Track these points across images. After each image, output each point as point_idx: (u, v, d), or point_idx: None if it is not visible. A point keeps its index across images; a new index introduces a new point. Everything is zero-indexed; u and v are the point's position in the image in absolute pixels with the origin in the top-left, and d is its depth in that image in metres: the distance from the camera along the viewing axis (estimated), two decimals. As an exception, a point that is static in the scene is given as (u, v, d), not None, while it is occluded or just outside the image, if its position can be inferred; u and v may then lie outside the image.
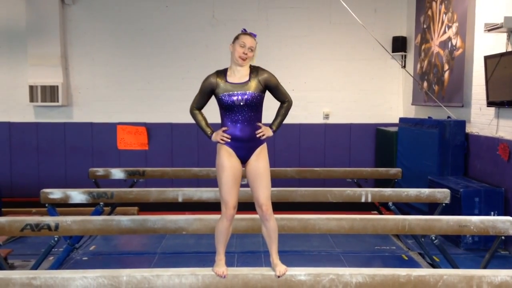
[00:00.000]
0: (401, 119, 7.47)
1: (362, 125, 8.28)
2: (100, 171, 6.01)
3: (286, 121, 9.10)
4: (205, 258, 5.10)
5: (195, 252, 5.41)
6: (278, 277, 2.82)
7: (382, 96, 8.36)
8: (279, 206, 5.80)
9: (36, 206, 6.82)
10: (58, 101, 7.82)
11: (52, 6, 7.79)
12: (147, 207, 6.78)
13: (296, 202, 5.02)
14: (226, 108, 2.99)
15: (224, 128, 3.00)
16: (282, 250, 5.33)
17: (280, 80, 8.90)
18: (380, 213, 6.21)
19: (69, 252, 4.64)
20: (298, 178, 6.50)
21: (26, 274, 2.83)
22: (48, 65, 7.80)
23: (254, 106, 2.99)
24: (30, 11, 7.79)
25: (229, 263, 4.80)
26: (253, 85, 3.00)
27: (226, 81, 3.00)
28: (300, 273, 2.84)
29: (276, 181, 7.39)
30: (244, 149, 3.01)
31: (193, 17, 8.18)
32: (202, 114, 3.20)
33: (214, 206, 5.70)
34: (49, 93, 7.79)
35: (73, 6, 8.02)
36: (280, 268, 2.86)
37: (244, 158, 3.01)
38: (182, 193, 4.93)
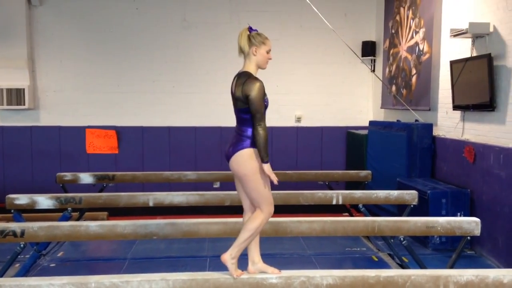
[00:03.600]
0: (370, 122, 7.59)
1: (333, 128, 8.39)
2: (68, 175, 5.89)
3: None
4: (176, 263, 5.06)
5: (166, 257, 5.35)
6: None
7: (353, 99, 8.48)
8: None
9: (1, 212, 6.62)
10: (24, 104, 7.62)
11: (18, 7, 7.60)
12: (117, 212, 6.66)
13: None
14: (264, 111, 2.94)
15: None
16: (254, 253, 5.35)
17: (251, 83, 8.54)
18: (351, 215, 6.30)
19: (35, 259, 4.52)
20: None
21: (-10, 282, 2.75)
22: (14, 67, 7.60)
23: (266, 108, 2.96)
24: (-5, 12, 7.58)
25: (200, 268, 4.79)
26: None
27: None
28: (271, 276, 2.85)
29: (248, 184, 7.40)
30: None
31: (164, 19, 8.11)
32: None
33: (185, 210, 5.69)
34: (15, 96, 7.59)
35: (40, 8, 7.84)
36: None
37: None
38: (153, 198, 4.87)
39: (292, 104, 8.38)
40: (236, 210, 6.34)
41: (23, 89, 7.60)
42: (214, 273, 2.94)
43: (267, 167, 2.90)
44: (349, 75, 8.44)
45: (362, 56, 8.21)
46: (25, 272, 4.43)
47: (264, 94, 2.92)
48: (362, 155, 7.53)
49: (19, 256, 4.24)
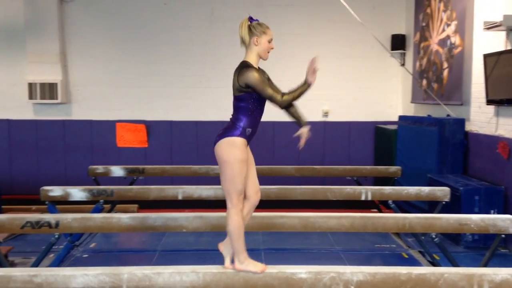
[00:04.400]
0: (400, 117, 7.47)
1: (361, 123, 8.29)
2: (99, 168, 6.01)
3: (284, 118, 9.07)
4: (205, 255, 5.10)
5: (195, 249, 5.41)
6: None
7: (381, 94, 8.36)
8: (278, 204, 5.83)
9: (36, 204, 6.81)
10: (57, 99, 7.80)
11: (50, 2, 7.77)
12: (146, 204, 6.78)
13: (295, 200, 5.02)
14: (262, 101, 2.96)
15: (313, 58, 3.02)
16: (282, 248, 5.39)
17: (279, 78, 8.94)
18: (380, 211, 6.22)
19: (69, 250, 4.64)
20: (298, 176, 6.50)
21: (27, 271, 2.83)
22: (47, 62, 7.78)
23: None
24: (28, 8, 7.76)
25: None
26: (266, 79, 3.04)
27: (261, 73, 2.99)
28: (301, 271, 2.84)
29: (275, 178, 7.46)
30: (250, 141, 3.00)
31: (191, 14, 8.16)
32: None
33: (213, 204, 5.73)
34: (48, 91, 7.77)
35: (71, 3, 7.99)
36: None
37: None
38: (182, 191, 4.93)
39: (319, 98, 8.30)
40: (263, 204, 6.37)
41: (56, 84, 7.78)
42: (244, 267, 2.95)
43: (311, 81, 3.02)
44: (378, 69, 8.32)
45: (392, 49, 8.08)
46: (59, 262, 4.56)
47: (265, 78, 2.95)
48: (391, 150, 7.43)
49: (53, 247, 4.35)
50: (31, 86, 7.74)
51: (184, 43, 8.15)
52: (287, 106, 2.99)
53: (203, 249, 5.40)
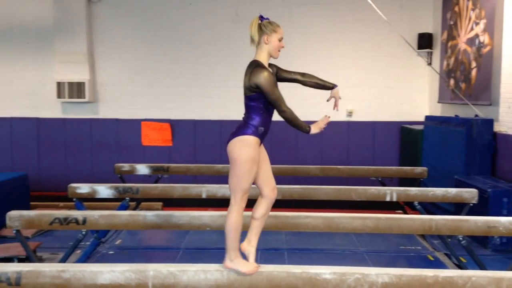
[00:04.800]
0: (427, 117, 7.35)
1: (387, 123, 8.19)
2: (125, 166, 6.10)
3: (308, 118, 9.06)
4: (223, 256, 5.13)
5: (218, 248, 5.41)
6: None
7: (408, 93, 8.24)
8: (302, 204, 5.82)
9: (63, 200, 6.96)
10: (84, 97, 7.95)
11: (79, 3, 7.92)
12: (170, 202, 6.84)
13: (319, 200, 5.00)
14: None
15: (327, 116, 3.04)
16: (305, 248, 5.37)
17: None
18: (405, 213, 6.14)
19: (96, 246, 4.73)
20: (321, 176, 6.47)
21: (56, 267, 2.89)
22: (75, 62, 7.94)
23: None
24: (57, 9, 7.94)
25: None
26: (275, 76, 3.07)
27: (272, 75, 2.98)
28: (325, 271, 2.83)
29: (298, 178, 7.44)
30: (263, 140, 3.01)
31: (216, 14, 8.20)
32: None
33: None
34: (76, 90, 7.93)
35: (99, 4, 8.13)
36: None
37: None
38: (206, 190, 4.96)
39: (343, 98, 8.06)
40: (286, 204, 6.37)
41: (84, 83, 7.93)
42: (268, 266, 2.95)
43: (313, 131, 3.00)
44: (404, 69, 8.20)
45: (418, 48, 7.96)
46: (85, 258, 4.65)
47: (274, 80, 2.93)
48: (417, 151, 7.32)
49: (80, 243, 4.44)
50: (59, 85, 7.91)
51: (209, 43, 8.20)
52: (284, 118, 2.95)
53: (220, 247, 5.41)
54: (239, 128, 2.93)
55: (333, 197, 4.91)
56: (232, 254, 2.89)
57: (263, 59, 3.00)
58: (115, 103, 8.23)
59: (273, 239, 5.67)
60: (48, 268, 2.85)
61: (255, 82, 2.87)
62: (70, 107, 8.22)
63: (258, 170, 2.96)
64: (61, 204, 7.02)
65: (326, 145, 8.19)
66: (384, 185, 5.98)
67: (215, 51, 8.19)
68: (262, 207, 3.00)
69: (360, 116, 8.24)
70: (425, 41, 7.97)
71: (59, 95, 7.93)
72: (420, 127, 7.43)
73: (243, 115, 3.00)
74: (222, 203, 5.92)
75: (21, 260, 4.61)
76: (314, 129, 3.01)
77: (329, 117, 3.05)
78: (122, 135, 8.23)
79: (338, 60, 8.17)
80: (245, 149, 2.86)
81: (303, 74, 3.17)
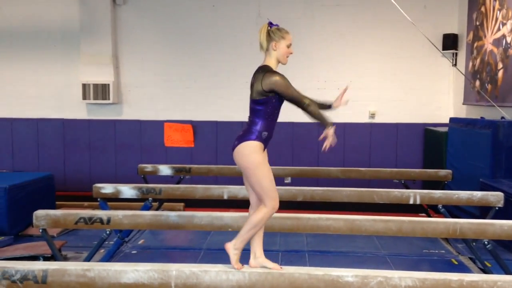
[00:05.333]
0: (451, 119, 7.24)
1: (410, 125, 8.09)
2: (148, 167, 6.18)
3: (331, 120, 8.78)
4: (248, 255, 5.13)
5: (239, 249, 5.45)
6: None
7: (432, 95, 8.13)
8: (323, 206, 5.79)
9: (88, 200, 7.09)
10: (109, 99, 8.08)
11: (104, 6, 8.05)
12: (192, 203, 6.91)
13: (340, 202, 4.97)
14: (279, 106, 3.01)
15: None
16: (326, 250, 5.34)
17: (325, 78, 8.99)
18: (429, 216, 6.06)
19: (119, 246, 4.79)
20: (342, 178, 6.44)
21: (81, 265, 2.95)
22: (100, 64, 8.08)
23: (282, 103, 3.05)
24: (83, 12, 8.09)
25: (273, 261, 4.83)
26: None
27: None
28: (347, 274, 2.81)
29: (319, 180, 7.39)
30: (267, 145, 3.04)
31: (239, 16, 8.23)
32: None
33: (258, 204, 5.76)
34: (101, 91, 8.07)
35: (124, 6, 8.25)
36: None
37: None
38: (227, 191, 4.99)
39: (366, 99, 8.18)
40: (308, 206, 6.35)
41: (108, 85, 8.06)
42: (290, 268, 2.96)
43: (332, 130, 2.92)
44: (428, 70, 8.09)
45: (443, 49, 7.83)
46: (109, 257, 4.72)
47: (289, 83, 2.93)
48: (441, 153, 7.20)
49: (104, 242, 4.51)
50: (84, 86, 8.05)
51: (231, 45, 8.24)
52: (310, 112, 2.97)
53: (247, 249, 5.40)
54: (243, 135, 2.97)
55: (355, 199, 4.87)
56: (238, 243, 2.95)
57: (272, 65, 3.04)
58: (139, 104, 8.34)
59: (293, 241, 5.65)
60: (74, 267, 2.90)
61: (269, 86, 2.90)
62: (94, 108, 8.36)
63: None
64: (86, 203, 7.14)
65: (347, 146, 8.13)
66: (407, 187, 5.91)
67: (237, 53, 8.22)
68: (256, 215, 2.96)
69: (383, 117, 8.15)
70: (450, 42, 7.85)
71: (84, 97, 8.07)
72: (445, 129, 7.32)
73: (247, 119, 3.03)
74: (244, 204, 5.94)
75: (46, 258, 4.71)
76: (331, 131, 2.94)
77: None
78: (145, 136, 8.33)
79: (360, 61, 8.11)
80: (252, 156, 2.90)
81: (306, 111, 3.03)
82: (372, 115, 8.19)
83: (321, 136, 3.00)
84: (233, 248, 2.95)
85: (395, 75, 8.12)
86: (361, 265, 4.65)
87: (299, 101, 2.93)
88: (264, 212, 2.91)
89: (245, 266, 2.98)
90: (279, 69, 3.08)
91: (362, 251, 5.36)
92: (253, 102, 2.99)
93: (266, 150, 3.04)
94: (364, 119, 8.19)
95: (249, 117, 3.01)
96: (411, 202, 4.67)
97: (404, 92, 8.13)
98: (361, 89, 8.15)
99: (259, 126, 2.94)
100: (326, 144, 2.94)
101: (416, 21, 6.66)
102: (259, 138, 2.93)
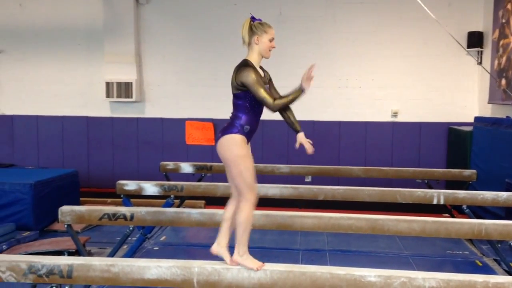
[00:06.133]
0: (476, 118, 7.11)
1: (433, 124, 7.97)
2: (170, 165, 6.23)
3: (350, 118, 8.95)
4: (269, 253, 5.15)
5: (259, 247, 5.45)
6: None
7: (456, 94, 7.99)
8: (344, 205, 5.76)
9: (110, 196, 7.20)
10: (132, 97, 8.18)
11: (127, 5, 8.15)
12: (213, 201, 6.93)
13: (362, 201, 4.93)
14: (258, 101, 3.01)
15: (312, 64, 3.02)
16: (347, 250, 5.32)
17: (347, 77, 8.91)
18: (452, 216, 5.96)
19: (142, 242, 4.84)
20: (363, 177, 6.38)
21: (105, 261, 3.00)
22: (123, 63, 8.18)
23: None
24: (107, 11, 8.20)
25: (293, 260, 4.84)
26: (267, 79, 3.15)
27: (259, 73, 3.06)
28: (370, 274, 2.79)
29: (340, 179, 7.34)
30: (250, 139, 3.09)
31: (260, 14, 8.09)
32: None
33: (279, 202, 5.76)
34: (124, 89, 8.17)
35: (147, 6, 8.33)
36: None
37: None
38: (248, 189, 4.98)
39: (388, 98, 8.09)
40: (329, 205, 6.33)
41: (131, 83, 8.16)
42: (311, 267, 2.95)
43: (306, 87, 3.04)
44: (452, 68, 7.95)
45: (468, 47, 7.69)
46: (132, 253, 4.78)
47: (261, 80, 2.97)
48: (466, 153, 7.08)
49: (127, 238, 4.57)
50: (108, 85, 8.17)
51: (252, 43, 8.23)
52: (280, 110, 3.06)
53: (267, 247, 5.44)
54: (226, 128, 3.02)
55: (377, 199, 4.83)
56: (241, 249, 2.95)
57: (254, 59, 3.11)
58: (161, 102, 8.42)
59: (314, 240, 5.64)
60: (98, 262, 2.95)
61: (240, 80, 2.98)
62: (117, 106, 8.47)
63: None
64: (109, 200, 7.25)
65: (369, 146, 8.07)
66: (430, 187, 5.83)
67: (258, 51, 8.20)
68: (231, 209, 3.02)
69: (406, 116, 8.05)
70: (475, 40, 7.70)
71: (108, 95, 8.18)
72: (469, 128, 7.19)
73: (230, 114, 3.07)
74: (264, 202, 5.95)
75: (71, 253, 4.80)
76: (306, 85, 3.05)
77: (313, 65, 3.05)
78: (167, 134, 8.40)
79: (383, 60, 8.02)
80: (233, 148, 2.95)
81: (274, 110, 3.12)
82: (395, 114, 8.10)
83: (297, 145, 3.20)
84: (239, 256, 2.94)
85: (419, 73, 8.01)
86: (383, 265, 4.60)
87: (264, 102, 2.96)
88: (246, 207, 2.95)
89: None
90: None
91: (384, 251, 5.31)
92: (233, 97, 3.07)
93: (249, 143, 3.10)
94: (386, 118, 8.10)
95: (232, 112, 3.07)
96: (435, 202, 4.61)
97: (427, 91, 8.02)
98: (383, 88, 8.07)
99: (241, 120, 3.00)
100: (308, 148, 3.11)
101: (440, 18, 6.56)
102: (241, 132, 2.99)
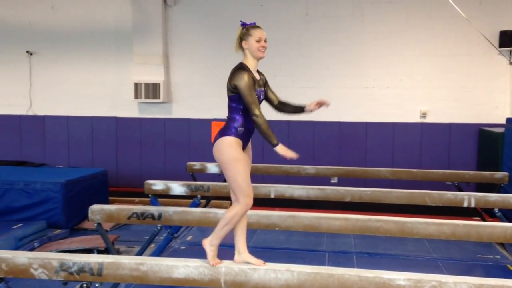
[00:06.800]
0: (508, 120, 6.91)
1: (464, 125, 7.80)
2: (197, 165, 6.28)
3: (378, 119, 8.84)
4: (295, 255, 5.14)
5: (285, 248, 5.46)
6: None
7: (487, 94, 7.80)
8: (372, 207, 5.69)
9: (138, 196, 7.30)
10: (159, 98, 8.28)
11: (156, 7, 8.26)
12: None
13: (389, 203, 4.86)
14: None
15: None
16: (374, 253, 5.25)
17: (374, 77, 8.84)
18: (483, 220, 5.82)
19: (169, 241, 4.89)
20: (390, 179, 6.29)
21: (134, 259, 3.04)
22: (151, 64, 8.29)
23: (261, 102, 3.12)
24: (136, 12, 8.33)
25: (319, 262, 4.81)
26: (262, 82, 3.18)
27: (253, 76, 3.09)
28: (399, 277, 2.74)
29: (368, 181, 7.26)
30: (247, 141, 3.10)
31: (286, 14, 8.22)
32: None
33: (304, 204, 5.74)
34: (152, 90, 8.28)
35: (174, 7, 8.43)
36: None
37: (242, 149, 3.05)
38: (274, 189, 5.00)
39: (417, 99, 7.97)
40: (356, 206, 6.27)
41: (159, 84, 8.26)
42: (339, 269, 2.92)
43: (279, 148, 3.01)
44: (483, 68, 7.77)
45: (500, 47, 7.51)
46: (159, 252, 4.83)
47: (254, 86, 3.00)
48: (497, 155, 6.90)
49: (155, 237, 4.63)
50: (136, 86, 8.29)
51: (278, 44, 8.22)
52: (279, 109, 3.29)
53: (293, 248, 5.43)
54: (222, 130, 3.04)
55: (405, 201, 4.75)
56: (215, 241, 3.00)
57: (249, 62, 3.19)
58: (187, 103, 8.50)
59: (341, 242, 5.60)
60: (128, 261, 2.99)
61: (234, 83, 3.02)
62: (145, 107, 8.59)
63: None
64: (137, 199, 7.35)
65: (397, 147, 7.95)
66: (460, 190, 5.71)
67: (284, 52, 8.20)
68: (230, 211, 2.99)
69: (435, 117, 7.91)
70: (507, 39, 7.51)
71: (136, 96, 8.31)
72: (501, 129, 7.01)
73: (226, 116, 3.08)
74: (290, 203, 5.96)
75: (100, 251, 4.89)
76: (280, 149, 3.03)
77: (297, 156, 3.04)
78: (193, 134, 8.48)
79: (412, 60, 7.91)
80: (228, 151, 2.96)
81: (280, 102, 3.33)
82: (424, 115, 7.97)
83: (314, 108, 3.33)
84: (209, 244, 3.00)
85: (449, 73, 7.86)
86: (412, 268, 4.51)
87: (250, 107, 2.95)
88: (237, 208, 2.95)
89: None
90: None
91: (412, 254, 5.23)
92: (228, 99, 3.08)
93: (249, 149, 3.15)
94: (415, 118, 7.98)
95: (227, 114, 3.08)
96: (465, 205, 4.51)
97: (457, 92, 7.86)
98: (412, 88, 7.95)
99: (235, 122, 3.01)
100: (324, 101, 3.21)
101: (471, 17, 6.43)
102: (235, 134, 2.99)
